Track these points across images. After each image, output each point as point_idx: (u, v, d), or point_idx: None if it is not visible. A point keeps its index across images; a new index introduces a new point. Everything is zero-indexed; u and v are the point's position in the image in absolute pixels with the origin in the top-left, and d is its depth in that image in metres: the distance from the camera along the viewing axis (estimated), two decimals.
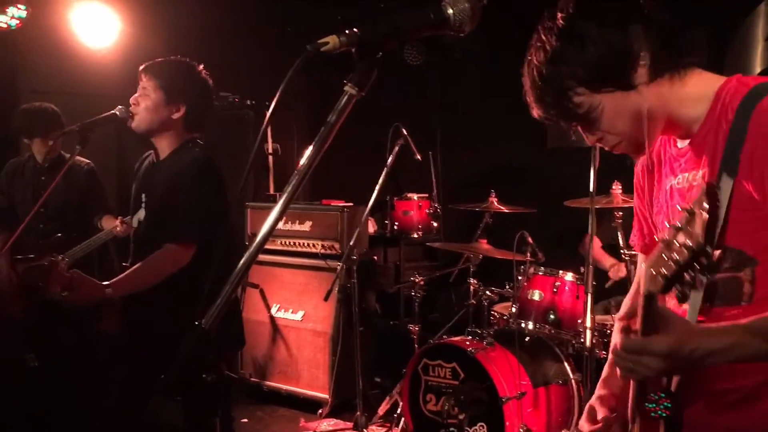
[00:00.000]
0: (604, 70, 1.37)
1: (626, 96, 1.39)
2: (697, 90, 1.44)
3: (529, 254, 3.95)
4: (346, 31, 1.20)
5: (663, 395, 1.34)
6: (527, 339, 3.86)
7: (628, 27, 1.37)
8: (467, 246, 4.38)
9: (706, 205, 1.12)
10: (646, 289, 1.24)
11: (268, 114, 1.32)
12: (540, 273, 3.87)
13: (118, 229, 3.81)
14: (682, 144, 1.52)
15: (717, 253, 1.31)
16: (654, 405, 1.34)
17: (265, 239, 1.27)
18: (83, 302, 2.56)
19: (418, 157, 4.48)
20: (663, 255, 1.20)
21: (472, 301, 4.19)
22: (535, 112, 1.48)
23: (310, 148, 1.25)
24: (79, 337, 4.02)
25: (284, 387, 4.78)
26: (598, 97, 1.39)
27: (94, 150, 4.41)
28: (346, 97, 1.22)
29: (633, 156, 1.57)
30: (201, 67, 2.87)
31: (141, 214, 2.86)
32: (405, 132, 4.32)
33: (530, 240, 3.92)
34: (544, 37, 1.40)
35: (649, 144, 1.49)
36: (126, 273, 2.65)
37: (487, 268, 4.39)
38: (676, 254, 1.15)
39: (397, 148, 4.29)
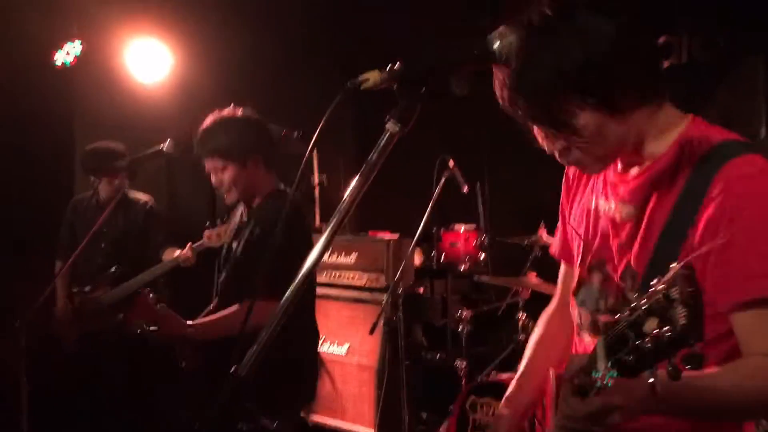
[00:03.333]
0: (598, 81, 1.26)
1: (611, 120, 1.30)
2: (665, 125, 1.36)
3: None
4: (388, 67, 1.17)
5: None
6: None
7: (630, 39, 1.28)
8: (516, 280, 4.28)
9: (689, 292, 0.98)
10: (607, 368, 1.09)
11: (307, 151, 1.30)
12: None
13: (182, 257, 3.79)
14: (625, 171, 1.43)
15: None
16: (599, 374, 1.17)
17: (307, 277, 1.23)
18: (163, 337, 2.56)
19: (465, 189, 4.42)
20: (628, 335, 1.04)
21: (522, 336, 4.07)
22: (500, 99, 1.37)
23: (352, 184, 1.22)
24: (126, 371, 4.06)
25: (329, 421, 4.71)
26: (586, 111, 1.29)
27: (145, 184, 4.52)
28: (387, 135, 1.18)
29: (585, 173, 1.52)
30: (238, 109, 2.85)
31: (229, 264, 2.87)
32: (452, 163, 4.27)
33: None
34: (545, 16, 1.28)
35: (606, 167, 1.42)
36: (210, 318, 2.65)
37: (537, 301, 4.27)
38: (650, 339, 1.01)
39: (443, 180, 4.24)
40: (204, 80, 5.31)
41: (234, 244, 2.87)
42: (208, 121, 2.81)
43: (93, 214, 4.22)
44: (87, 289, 4.09)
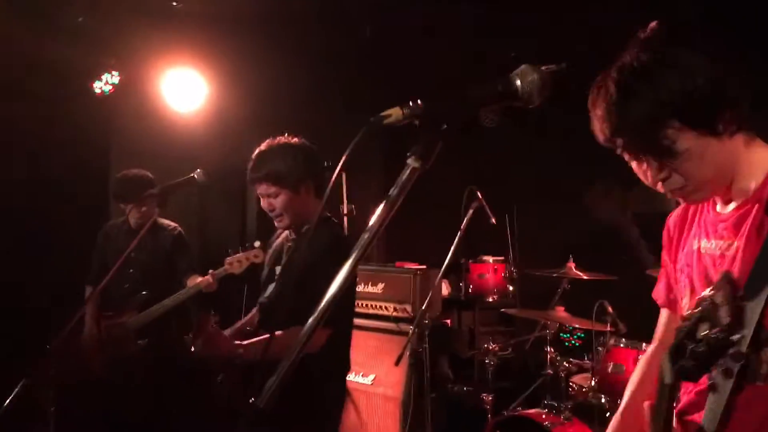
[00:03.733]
0: (697, 105, 1.34)
1: (712, 142, 1.37)
2: (759, 159, 1.43)
3: (609, 324, 3.77)
4: (410, 104, 1.19)
5: None
6: (608, 415, 3.64)
7: (722, 68, 1.36)
8: (543, 314, 4.23)
9: (730, 294, 1.06)
10: (669, 382, 1.17)
11: (332, 179, 1.31)
12: (621, 345, 3.67)
13: (204, 284, 3.84)
14: (722, 209, 1.49)
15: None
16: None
17: (327, 309, 1.24)
18: (216, 357, 2.57)
19: (493, 221, 4.41)
20: (684, 343, 1.12)
21: (549, 371, 4.02)
22: (600, 133, 1.43)
23: (373, 218, 1.23)
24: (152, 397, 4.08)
25: None
26: (688, 135, 1.35)
27: (177, 211, 4.58)
28: (408, 170, 1.19)
29: (686, 202, 1.54)
30: (293, 137, 2.85)
31: (272, 287, 2.87)
32: (480, 195, 4.27)
33: (610, 309, 3.75)
34: (638, 54, 1.38)
35: (710, 196, 1.46)
36: (255, 340, 2.61)
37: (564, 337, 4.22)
38: (702, 342, 1.09)
39: (471, 211, 4.24)
40: (238, 110, 5.42)
41: (277, 269, 2.86)
42: (264, 146, 2.82)
43: (123, 240, 4.29)
44: (113, 314, 4.16)
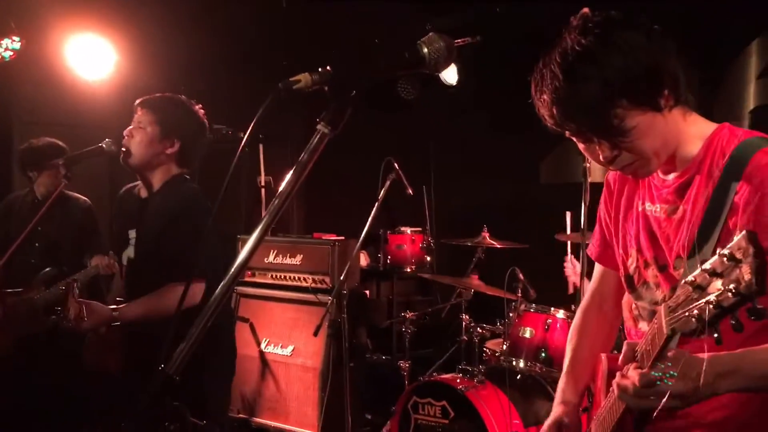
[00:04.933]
0: (641, 83, 1.40)
1: (656, 117, 1.44)
2: (696, 129, 1.53)
3: (520, 291, 3.91)
4: (319, 69, 1.19)
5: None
6: (518, 377, 3.80)
7: (659, 45, 1.42)
8: (458, 280, 4.34)
9: (754, 251, 1.09)
10: (670, 327, 1.22)
11: (240, 148, 1.31)
12: (531, 310, 3.82)
13: (101, 266, 3.76)
14: (664, 175, 1.58)
15: None
16: (660, 374, 1.32)
17: (236, 276, 1.25)
18: (92, 327, 2.56)
19: (410, 191, 4.47)
20: (692, 297, 1.18)
21: (464, 337, 4.14)
22: (550, 118, 1.48)
23: (283, 184, 1.24)
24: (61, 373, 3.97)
25: (272, 424, 4.68)
26: (634, 113, 1.42)
27: (86, 184, 4.41)
28: (318, 136, 1.20)
29: (636, 177, 1.62)
30: (198, 105, 2.87)
31: (130, 251, 2.82)
32: (397, 166, 4.31)
33: (521, 276, 3.89)
34: (578, 38, 1.42)
35: (658, 168, 1.54)
36: (133, 302, 2.62)
37: (479, 304, 4.34)
38: (716, 298, 1.13)
39: (388, 182, 4.27)
40: (148, 77, 5.23)
41: (132, 232, 2.81)
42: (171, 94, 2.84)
43: (28, 211, 4.10)
44: (20, 290, 3.99)
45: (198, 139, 2.84)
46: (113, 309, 2.56)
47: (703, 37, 4.28)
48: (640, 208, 1.65)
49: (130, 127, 2.76)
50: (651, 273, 1.62)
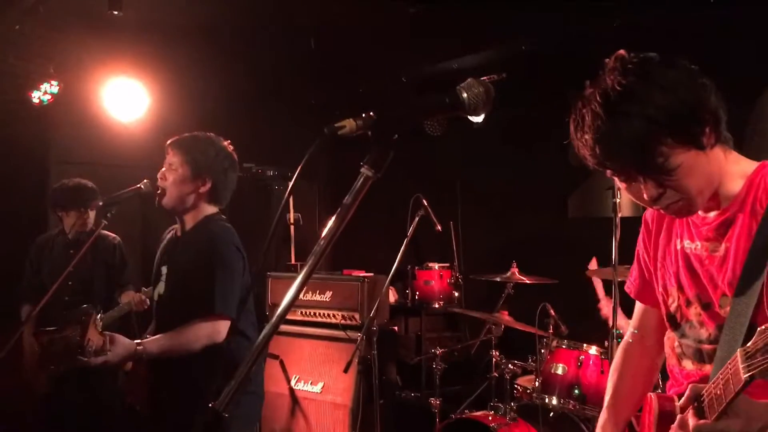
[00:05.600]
0: (682, 119, 1.40)
1: (700, 155, 1.44)
2: (737, 167, 1.53)
3: (551, 327, 3.89)
4: (363, 115, 1.23)
5: None
6: (551, 415, 3.76)
7: (699, 84, 1.44)
8: (488, 315, 4.33)
9: None
10: (749, 374, 1.20)
11: (289, 189, 1.35)
12: (563, 346, 3.80)
13: (133, 302, 3.83)
14: (705, 213, 1.58)
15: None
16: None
17: (283, 317, 1.27)
18: (116, 360, 2.56)
19: (438, 228, 4.49)
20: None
21: (494, 373, 4.11)
22: (591, 158, 1.47)
23: (328, 226, 1.27)
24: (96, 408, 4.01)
25: None
26: (678, 150, 1.42)
27: (119, 223, 4.50)
28: (362, 179, 1.24)
29: (679, 216, 1.61)
30: (227, 142, 2.93)
31: (161, 287, 2.87)
32: (425, 203, 4.34)
33: (552, 312, 3.87)
34: (618, 78, 1.42)
35: (702, 206, 1.54)
36: (158, 336, 2.65)
37: (509, 340, 4.32)
38: None
39: (417, 219, 4.31)
40: (180, 117, 5.36)
41: (164, 269, 2.86)
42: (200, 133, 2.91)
43: (60, 251, 4.19)
44: (55, 328, 4.05)
45: (229, 176, 2.89)
46: (137, 343, 2.58)
47: (727, 75, 4.29)
48: (678, 246, 1.64)
49: (163, 169, 2.82)
50: (694, 311, 1.61)
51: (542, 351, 3.85)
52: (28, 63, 4.55)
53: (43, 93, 4.62)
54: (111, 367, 2.66)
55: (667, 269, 1.68)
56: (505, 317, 4.19)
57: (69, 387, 3.96)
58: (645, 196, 1.50)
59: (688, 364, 1.64)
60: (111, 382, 4.11)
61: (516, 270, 4.47)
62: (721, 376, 1.29)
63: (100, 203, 3.04)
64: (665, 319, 1.71)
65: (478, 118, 5.52)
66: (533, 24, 4.74)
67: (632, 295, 1.87)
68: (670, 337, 1.73)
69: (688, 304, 1.63)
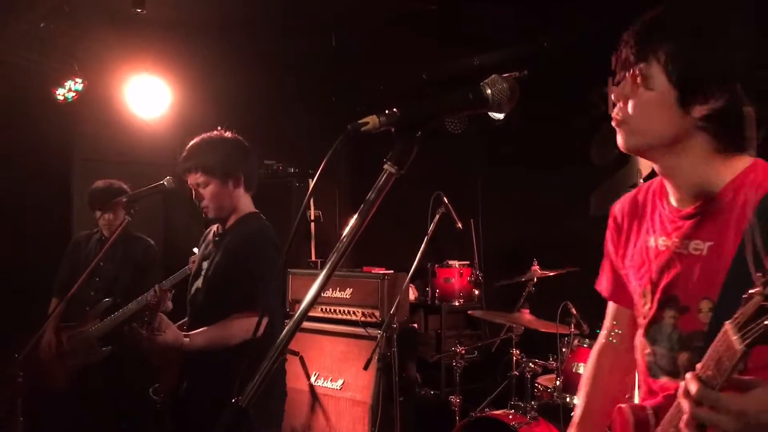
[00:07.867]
0: (691, 72, 1.34)
1: (675, 111, 1.37)
2: (727, 166, 1.40)
3: (573, 325, 3.86)
4: (386, 111, 1.23)
5: None
6: (572, 414, 3.72)
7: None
8: (509, 316, 4.30)
9: None
10: (745, 344, 1.06)
11: (311, 187, 1.35)
12: (585, 345, 3.77)
13: (149, 296, 3.84)
14: (680, 205, 1.47)
15: None
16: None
17: (305, 314, 1.28)
18: (164, 344, 2.61)
19: (459, 225, 4.47)
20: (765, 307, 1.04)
21: (515, 372, 4.09)
22: (632, 45, 1.42)
23: (351, 222, 1.27)
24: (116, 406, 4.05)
25: None
26: (664, 77, 1.36)
27: (141, 220, 4.54)
28: (385, 176, 1.23)
29: (619, 139, 1.48)
30: (226, 131, 2.94)
31: (199, 282, 2.91)
32: (446, 200, 4.33)
33: (574, 311, 3.84)
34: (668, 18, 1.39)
35: (640, 152, 1.46)
36: (201, 329, 2.69)
37: (530, 338, 4.30)
38: None
39: (438, 216, 4.29)
40: (202, 115, 5.39)
41: (205, 263, 2.90)
42: (196, 139, 2.91)
43: (95, 248, 4.25)
44: (76, 324, 4.10)
45: (249, 161, 2.94)
46: (185, 335, 2.64)
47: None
48: (652, 243, 1.52)
49: (194, 194, 2.86)
50: (668, 314, 1.47)
51: (563, 350, 3.83)
52: (53, 61, 4.60)
53: (68, 90, 4.67)
54: (154, 348, 2.66)
55: (638, 268, 1.55)
56: (526, 316, 4.17)
57: (94, 380, 4.01)
58: (613, 96, 1.45)
59: (664, 378, 1.48)
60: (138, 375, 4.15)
61: (537, 267, 4.45)
62: (708, 357, 1.14)
63: (124, 200, 3.06)
64: (638, 323, 1.57)
65: (500, 115, 5.50)
66: (555, 21, 4.71)
67: (605, 296, 1.72)
68: (640, 343, 1.56)
69: (662, 306, 1.48)
